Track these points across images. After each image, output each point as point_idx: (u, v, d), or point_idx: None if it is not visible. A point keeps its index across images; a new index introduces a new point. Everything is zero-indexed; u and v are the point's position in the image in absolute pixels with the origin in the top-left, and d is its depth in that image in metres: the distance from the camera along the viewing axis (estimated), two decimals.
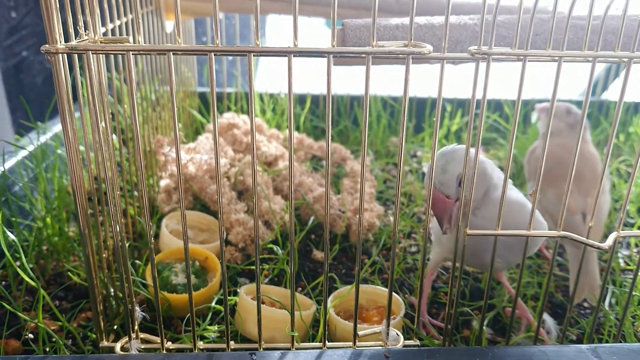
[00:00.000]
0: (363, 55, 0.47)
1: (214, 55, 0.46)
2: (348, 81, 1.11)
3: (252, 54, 0.46)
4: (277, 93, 1.32)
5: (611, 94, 1.38)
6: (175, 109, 0.47)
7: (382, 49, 0.47)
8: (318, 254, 0.84)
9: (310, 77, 1.09)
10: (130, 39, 0.46)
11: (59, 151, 0.93)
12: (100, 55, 0.50)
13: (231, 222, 0.84)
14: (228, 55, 0.47)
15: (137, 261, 0.77)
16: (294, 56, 0.47)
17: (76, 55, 0.50)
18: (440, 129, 1.29)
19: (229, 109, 1.31)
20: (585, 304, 0.78)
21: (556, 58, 0.50)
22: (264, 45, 0.47)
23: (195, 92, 1.30)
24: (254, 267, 0.80)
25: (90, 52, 0.46)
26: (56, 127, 1.05)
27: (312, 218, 0.89)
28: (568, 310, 0.60)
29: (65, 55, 0.48)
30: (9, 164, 0.87)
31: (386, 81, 1.09)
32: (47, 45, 0.47)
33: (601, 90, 1.42)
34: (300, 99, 1.30)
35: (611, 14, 0.50)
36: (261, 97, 1.30)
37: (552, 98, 0.51)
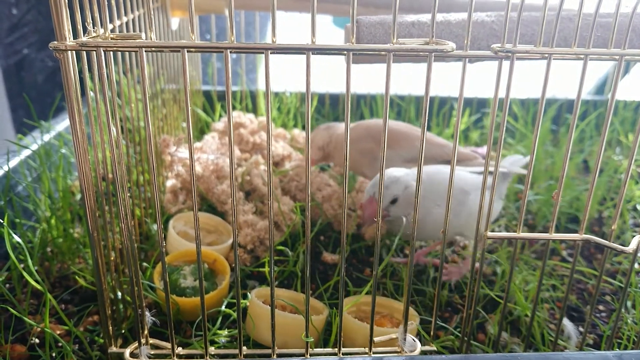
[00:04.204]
0: (383, 52, 0.46)
1: (230, 52, 0.44)
2: (353, 79, 1.10)
3: (269, 52, 0.45)
4: (282, 92, 1.30)
5: (619, 93, 1.36)
6: (189, 108, 0.45)
7: (404, 46, 0.45)
8: (328, 257, 0.82)
9: (317, 76, 1.08)
10: (143, 35, 0.45)
11: (63, 150, 0.92)
12: (110, 52, 0.48)
13: (239, 223, 0.83)
14: (244, 53, 0.46)
15: (144, 263, 0.75)
16: (312, 54, 0.45)
17: (84, 52, 0.49)
18: (447, 128, 1.28)
19: (234, 108, 1.29)
20: (601, 307, 0.76)
21: (581, 56, 0.48)
22: (279, 43, 0.45)
23: (200, 90, 1.28)
24: (263, 270, 0.79)
25: (101, 49, 0.44)
26: (59, 126, 1.03)
27: (320, 218, 0.87)
28: (588, 315, 0.58)
29: (74, 52, 0.47)
30: (12, 163, 0.85)
31: (393, 79, 1.08)
32: (55, 42, 0.45)
33: (610, 87, 1.41)
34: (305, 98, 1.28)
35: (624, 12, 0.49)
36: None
37: (577, 97, 0.49)
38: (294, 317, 0.62)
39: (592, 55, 0.48)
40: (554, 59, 0.48)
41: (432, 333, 0.60)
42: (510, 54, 0.48)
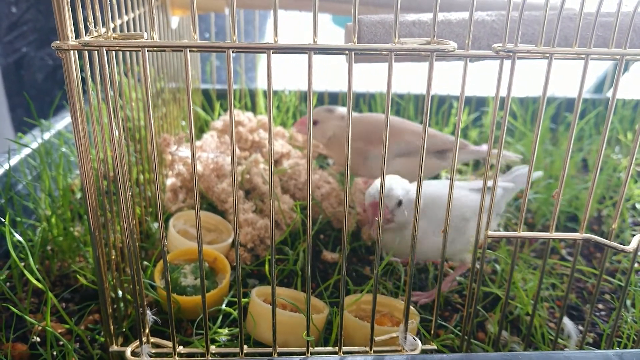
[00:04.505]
0: (385, 52, 0.46)
1: (232, 52, 0.44)
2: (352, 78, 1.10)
3: (271, 52, 0.45)
4: (281, 90, 1.30)
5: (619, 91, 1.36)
6: (191, 107, 0.45)
7: (405, 46, 0.45)
8: (328, 255, 0.82)
9: (316, 74, 1.08)
10: (145, 34, 0.45)
11: (63, 149, 0.92)
12: (112, 52, 0.48)
13: (239, 222, 0.83)
14: (246, 52, 0.46)
15: (144, 262, 0.75)
16: (314, 54, 0.45)
17: (86, 52, 0.49)
18: (446, 127, 1.28)
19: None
20: (600, 306, 0.77)
21: (583, 56, 0.48)
22: (281, 42, 0.45)
23: (199, 89, 1.28)
24: (263, 268, 0.79)
25: (104, 49, 0.44)
26: (59, 125, 1.03)
27: (320, 217, 0.87)
28: (589, 314, 0.59)
29: (76, 52, 0.47)
30: (12, 162, 0.85)
31: (393, 78, 1.08)
32: (58, 42, 0.45)
33: (609, 86, 1.41)
34: (305, 96, 1.29)
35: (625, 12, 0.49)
36: (265, 94, 1.28)
37: (577, 96, 0.49)
38: (294, 316, 0.62)
39: (593, 55, 0.48)
40: (555, 58, 0.48)
41: (432, 332, 0.60)
42: (511, 54, 0.48)
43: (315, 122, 0.94)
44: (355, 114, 0.96)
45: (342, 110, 0.96)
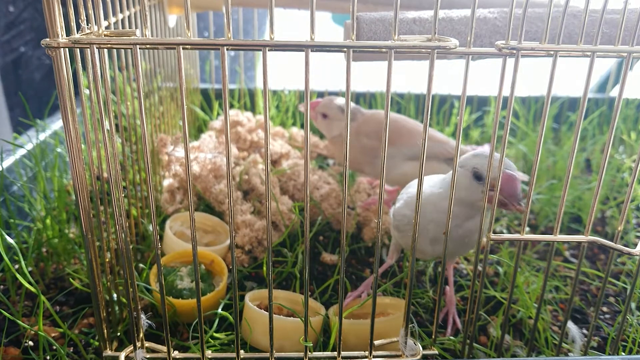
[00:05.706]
0: (384, 49, 0.44)
1: (227, 49, 0.43)
2: (352, 77, 1.09)
3: (267, 49, 0.43)
4: (281, 90, 1.29)
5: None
6: (185, 106, 0.44)
7: (406, 43, 0.44)
8: (327, 257, 0.81)
9: (316, 73, 1.06)
10: (138, 32, 0.43)
11: (58, 149, 0.90)
12: (104, 49, 0.47)
13: (237, 223, 0.81)
14: (241, 50, 0.44)
15: (140, 264, 0.74)
16: (311, 51, 0.44)
17: (77, 49, 0.48)
18: (448, 126, 1.27)
19: (232, 106, 1.28)
20: (604, 309, 0.75)
21: (588, 53, 0.47)
22: (277, 39, 0.44)
23: (198, 88, 1.27)
24: (261, 271, 0.77)
25: (94, 46, 0.43)
26: (55, 125, 1.02)
27: (319, 218, 0.86)
28: (594, 318, 0.57)
29: (67, 49, 0.46)
30: (7, 162, 0.84)
31: (393, 77, 1.06)
32: (48, 39, 0.44)
33: (612, 85, 1.40)
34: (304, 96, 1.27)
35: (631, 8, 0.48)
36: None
37: (583, 95, 0.48)
38: (290, 321, 0.60)
39: (600, 53, 0.47)
40: (560, 56, 0.47)
41: (433, 336, 0.59)
42: (515, 51, 0.46)
43: (325, 116, 0.92)
44: (367, 111, 0.94)
45: (354, 110, 0.93)
